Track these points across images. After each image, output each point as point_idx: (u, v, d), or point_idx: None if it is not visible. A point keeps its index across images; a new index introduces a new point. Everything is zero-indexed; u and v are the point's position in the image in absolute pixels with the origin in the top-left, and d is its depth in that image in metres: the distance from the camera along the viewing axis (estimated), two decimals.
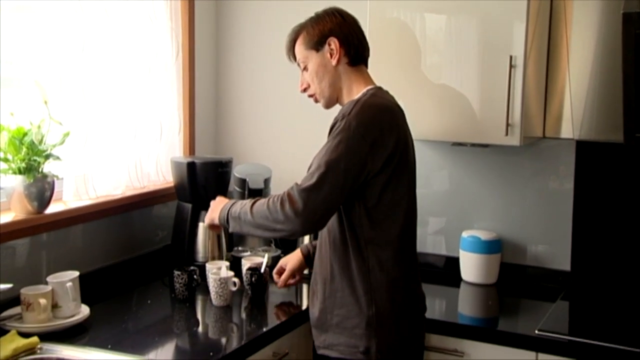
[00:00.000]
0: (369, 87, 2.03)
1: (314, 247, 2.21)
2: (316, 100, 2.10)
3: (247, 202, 1.98)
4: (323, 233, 2.03)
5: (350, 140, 1.85)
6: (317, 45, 2.03)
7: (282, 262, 2.34)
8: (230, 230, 2.03)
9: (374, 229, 1.93)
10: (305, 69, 2.07)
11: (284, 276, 2.30)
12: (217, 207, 2.09)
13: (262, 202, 1.93)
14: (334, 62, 2.02)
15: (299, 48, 2.07)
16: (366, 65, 2.09)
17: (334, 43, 2.01)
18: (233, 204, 2.03)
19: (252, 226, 1.95)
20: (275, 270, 2.34)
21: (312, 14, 2.09)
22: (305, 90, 2.10)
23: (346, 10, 2.09)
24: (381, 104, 1.96)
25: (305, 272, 2.36)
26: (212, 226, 2.13)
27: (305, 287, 2.48)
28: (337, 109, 2.04)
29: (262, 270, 2.33)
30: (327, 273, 2.00)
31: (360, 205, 1.92)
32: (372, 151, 1.87)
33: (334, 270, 1.98)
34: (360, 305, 1.94)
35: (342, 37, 2.02)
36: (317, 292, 2.05)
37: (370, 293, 1.93)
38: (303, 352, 2.27)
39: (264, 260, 2.37)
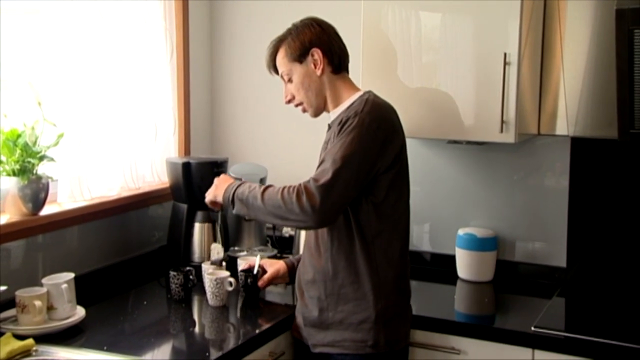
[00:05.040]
0: (362, 91, 2.10)
1: (298, 261, 2.26)
2: (304, 110, 2.15)
3: (256, 187, 2.01)
4: (316, 233, 2.04)
5: (364, 136, 1.92)
6: (300, 57, 2.07)
7: (263, 262, 2.34)
8: (235, 211, 2.06)
9: (382, 224, 1.99)
10: (289, 80, 2.12)
11: (267, 275, 2.29)
12: (222, 185, 2.11)
13: (275, 191, 1.96)
14: (318, 72, 2.07)
15: (282, 61, 2.11)
16: (347, 72, 2.14)
17: (317, 53, 2.06)
18: (239, 185, 2.06)
19: (261, 212, 1.99)
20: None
21: (292, 23, 2.13)
22: (290, 101, 2.15)
23: (323, 19, 2.14)
24: (388, 104, 2.05)
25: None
26: (213, 203, 2.15)
27: None
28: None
29: (255, 271, 2.32)
30: (328, 271, 2.02)
31: (368, 201, 1.97)
32: (384, 148, 1.95)
33: (337, 267, 2.01)
34: (368, 300, 1.98)
35: (325, 47, 2.07)
36: (311, 292, 2.07)
37: (379, 288, 1.99)
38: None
39: (256, 260, 2.36)
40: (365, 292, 1.99)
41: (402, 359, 2.09)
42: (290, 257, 2.39)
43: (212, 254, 2.44)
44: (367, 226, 1.98)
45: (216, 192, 2.12)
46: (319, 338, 2.06)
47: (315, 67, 2.07)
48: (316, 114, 2.15)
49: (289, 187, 1.94)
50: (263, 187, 2.00)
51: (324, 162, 1.94)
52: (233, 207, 2.05)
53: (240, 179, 2.15)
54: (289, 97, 2.15)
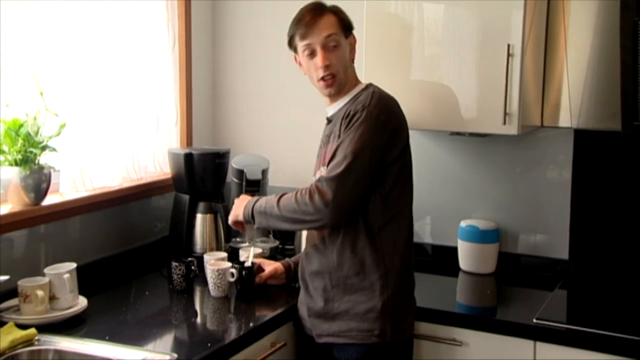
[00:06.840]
0: (364, 83, 2.11)
1: (295, 264, 2.29)
2: (330, 84, 2.02)
3: (273, 197, 2.02)
4: None
5: (373, 129, 1.93)
6: (347, 31, 2.07)
7: (262, 261, 2.35)
8: (256, 225, 2.08)
9: (387, 215, 2.00)
10: (334, 47, 2.01)
11: (265, 273, 2.30)
12: (241, 204, 2.13)
13: (289, 196, 1.98)
14: (352, 55, 2.10)
15: (336, 25, 2.03)
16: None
17: (354, 39, 2.10)
18: (257, 200, 2.08)
19: (279, 220, 2.00)
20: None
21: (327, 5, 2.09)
22: (327, 67, 2.00)
23: None
24: (392, 97, 2.05)
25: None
26: (235, 223, 2.16)
27: None
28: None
29: (249, 263, 2.31)
30: (333, 261, 2.03)
31: (376, 192, 1.98)
32: (392, 140, 1.97)
33: (342, 258, 2.01)
34: (374, 290, 1.99)
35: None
36: (316, 283, 2.08)
37: (385, 277, 1.99)
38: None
39: (250, 253, 2.35)
40: (371, 282, 1.99)
41: (407, 348, 2.10)
42: (287, 258, 2.39)
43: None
44: (373, 217, 1.99)
45: (236, 212, 2.14)
46: (324, 328, 2.06)
47: (351, 50, 2.09)
48: (338, 91, 2.05)
49: (303, 189, 1.95)
50: (279, 195, 2.01)
51: (335, 157, 1.94)
52: (254, 222, 2.06)
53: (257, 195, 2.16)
54: (327, 62, 1.99)
